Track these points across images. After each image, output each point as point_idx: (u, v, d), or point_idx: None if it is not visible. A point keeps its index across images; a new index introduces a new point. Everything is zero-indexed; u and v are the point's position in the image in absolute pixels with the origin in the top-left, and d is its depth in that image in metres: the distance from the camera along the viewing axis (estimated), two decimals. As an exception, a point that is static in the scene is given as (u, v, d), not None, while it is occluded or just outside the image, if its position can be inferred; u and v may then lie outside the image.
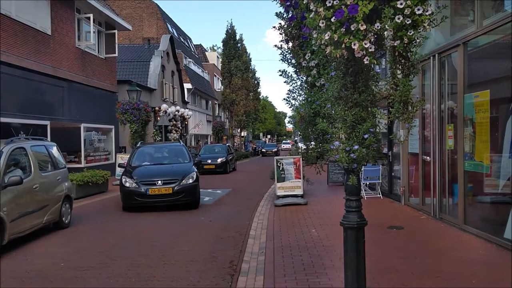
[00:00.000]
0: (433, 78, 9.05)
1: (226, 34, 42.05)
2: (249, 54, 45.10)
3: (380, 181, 12.61)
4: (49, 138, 16.35)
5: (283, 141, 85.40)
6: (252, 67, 48.24)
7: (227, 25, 45.93)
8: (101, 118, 20.63)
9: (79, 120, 18.83)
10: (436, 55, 8.83)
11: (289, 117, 4.68)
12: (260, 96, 55.32)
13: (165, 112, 28.00)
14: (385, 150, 12.47)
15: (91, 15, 19.04)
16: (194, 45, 52.86)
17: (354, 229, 3.70)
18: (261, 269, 6.19)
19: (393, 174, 12.15)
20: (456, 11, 8.72)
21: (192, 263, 6.76)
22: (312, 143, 4.29)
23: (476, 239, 7.20)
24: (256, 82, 49.52)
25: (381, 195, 12.40)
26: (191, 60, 42.74)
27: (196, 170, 12.53)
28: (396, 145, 11.73)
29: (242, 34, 77.07)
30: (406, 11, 2.85)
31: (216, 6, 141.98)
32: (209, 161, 24.55)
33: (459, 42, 7.92)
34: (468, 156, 7.71)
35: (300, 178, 12.14)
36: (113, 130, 21.82)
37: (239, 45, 42.98)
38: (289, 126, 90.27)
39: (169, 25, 40.37)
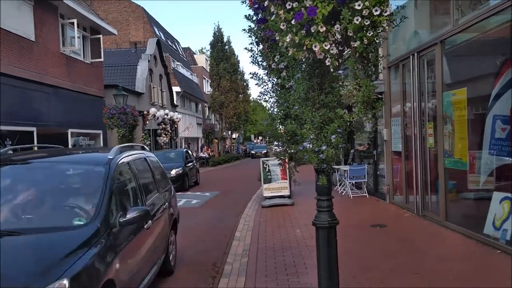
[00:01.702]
0: (413, 77, 9.14)
1: (213, 36, 41.97)
2: (237, 56, 45.12)
3: (366, 180, 12.68)
4: (35, 144, 16.29)
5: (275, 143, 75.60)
6: (241, 69, 48.31)
7: (214, 28, 45.83)
8: (89, 123, 20.52)
9: (66, 125, 18.73)
10: (415, 53, 8.92)
11: (266, 119, 4.64)
12: (250, 98, 55.33)
13: (154, 115, 27.97)
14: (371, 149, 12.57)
15: (75, 20, 18.93)
16: (182, 48, 52.80)
17: (325, 229, 3.73)
18: (243, 270, 6.21)
19: (378, 172, 12.23)
20: (435, 9, 8.82)
21: (174, 266, 6.76)
22: (278, 144, 4.23)
23: (456, 235, 7.27)
24: (245, 84, 49.53)
25: (367, 194, 12.47)
26: (179, 63, 42.66)
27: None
28: (381, 144, 11.81)
29: (229, 36, 76.96)
30: (364, 12, 2.88)
31: (203, 8, 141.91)
32: None
33: (437, 40, 8.01)
34: (448, 154, 7.79)
35: (286, 179, 12.19)
36: (101, 135, 21.73)
37: (226, 47, 42.94)
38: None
39: (156, 29, 40.28)
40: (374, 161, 12.30)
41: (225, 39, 42.72)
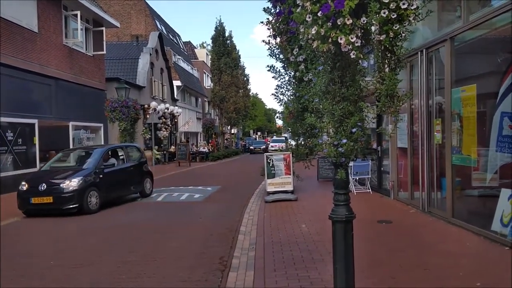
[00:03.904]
0: (421, 73, 9.13)
1: (215, 31, 41.78)
2: (238, 51, 44.92)
3: (370, 176, 12.69)
4: (37, 137, 16.25)
5: (273, 139, 55.94)
6: (242, 63, 48.16)
7: (216, 22, 45.59)
8: (90, 116, 20.49)
9: (67, 118, 18.69)
10: (424, 50, 8.91)
11: (278, 112, 4.69)
12: (250, 93, 55.20)
13: (155, 109, 27.91)
14: (374, 145, 12.56)
15: (78, 12, 18.88)
16: (183, 42, 52.66)
17: (342, 223, 3.71)
18: (252, 264, 6.21)
19: (382, 169, 12.24)
20: (443, 6, 8.79)
21: (182, 259, 6.76)
22: (301, 138, 4.29)
23: (464, 232, 7.28)
24: (245, 79, 49.39)
25: (370, 190, 12.49)
26: (180, 57, 42.56)
27: None
28: (385, 140, 11.81)
29: (231, 31, 76.72)
30: (391, 5, 2.87)
31: (204, 3, 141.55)
32: (44, 186, 11.10)
33: (446, 37, 7.99)
34: (456, 150, 7.79)
35: (290, 174, 12.19)
36: (102, 128, 21.71)
37: (228, 42, 42.70)
38: (279, 123, 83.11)
39: (157, 22, 40.14)
40: (378, 157, 12.31)
41: (226, 34, 42.56)
